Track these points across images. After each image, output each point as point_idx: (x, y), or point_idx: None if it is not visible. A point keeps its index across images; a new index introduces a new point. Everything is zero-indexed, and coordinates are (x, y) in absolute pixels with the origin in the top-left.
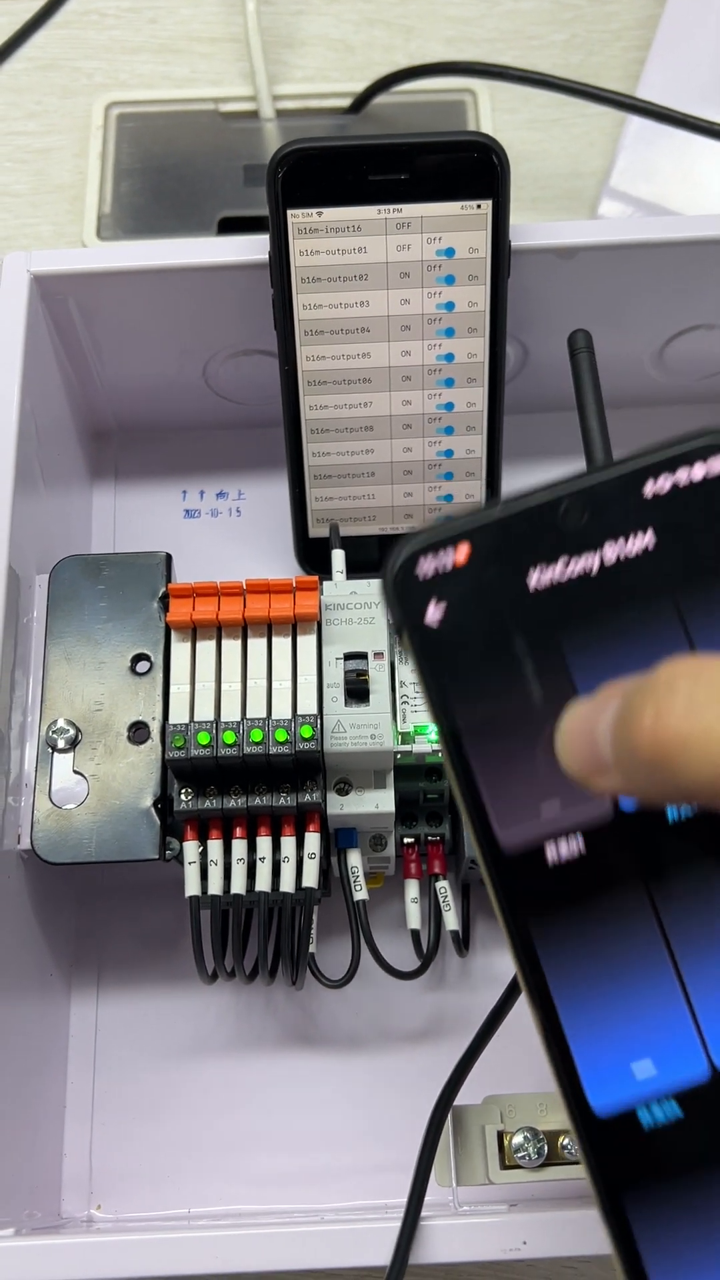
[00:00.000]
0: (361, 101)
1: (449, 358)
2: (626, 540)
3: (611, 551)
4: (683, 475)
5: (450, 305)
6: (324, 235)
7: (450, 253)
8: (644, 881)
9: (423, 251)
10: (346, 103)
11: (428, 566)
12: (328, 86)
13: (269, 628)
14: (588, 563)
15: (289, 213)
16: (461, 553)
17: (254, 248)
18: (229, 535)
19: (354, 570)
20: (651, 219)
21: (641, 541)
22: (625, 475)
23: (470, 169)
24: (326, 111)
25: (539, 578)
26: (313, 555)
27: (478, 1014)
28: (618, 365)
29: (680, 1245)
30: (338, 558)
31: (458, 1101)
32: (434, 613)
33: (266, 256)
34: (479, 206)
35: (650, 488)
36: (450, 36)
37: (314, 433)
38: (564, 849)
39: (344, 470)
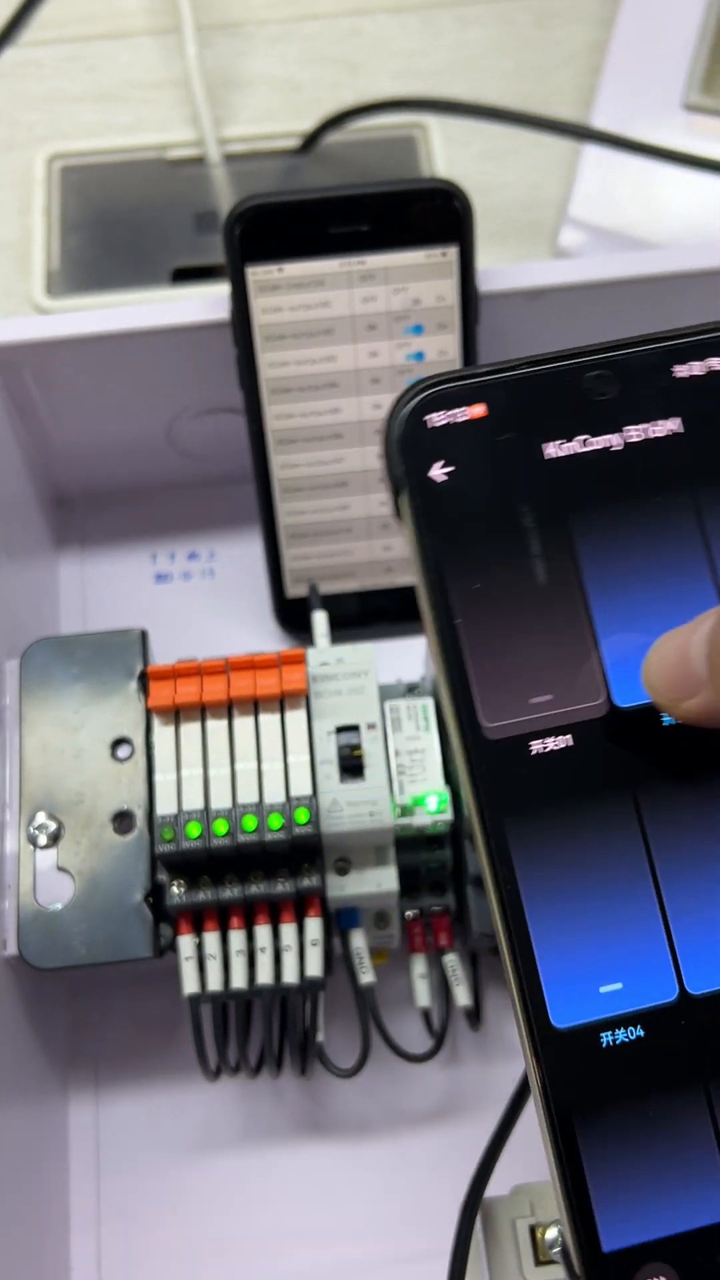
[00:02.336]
0: (311, 140)
1: None
2: (651, 422)
3: (634, 431)
4: (717, 362)
5: (420, 355)
6: (286, 291)
7: (417, 302)
8: (631, 789)
9: (389, 302)
10: (295, 142)
11: (439, 416)
12: (275, 127)
13: (256, 706)
14: (608, 439)
15: (248, 270)
16: (477, 407)
17: (214, 306)
18: (204, 598)
19: (336, 627)
20: (620, 255)
21: (666, 426)
22: (658, 351)
23: (433, 216)
24: (275, 153)
25: (555, 448)
26: (292, 615)
27: (495, 1089)
28: None
29: (626, 1169)
30: (320, 620)
31: (486, 1194)
32: (440, 468)
33: (227, 315)
34: (444, 254)
35: (682, 370)
36: (396, 70)
37: (286, 491)
38: (550, 743)
39: (319, 528)
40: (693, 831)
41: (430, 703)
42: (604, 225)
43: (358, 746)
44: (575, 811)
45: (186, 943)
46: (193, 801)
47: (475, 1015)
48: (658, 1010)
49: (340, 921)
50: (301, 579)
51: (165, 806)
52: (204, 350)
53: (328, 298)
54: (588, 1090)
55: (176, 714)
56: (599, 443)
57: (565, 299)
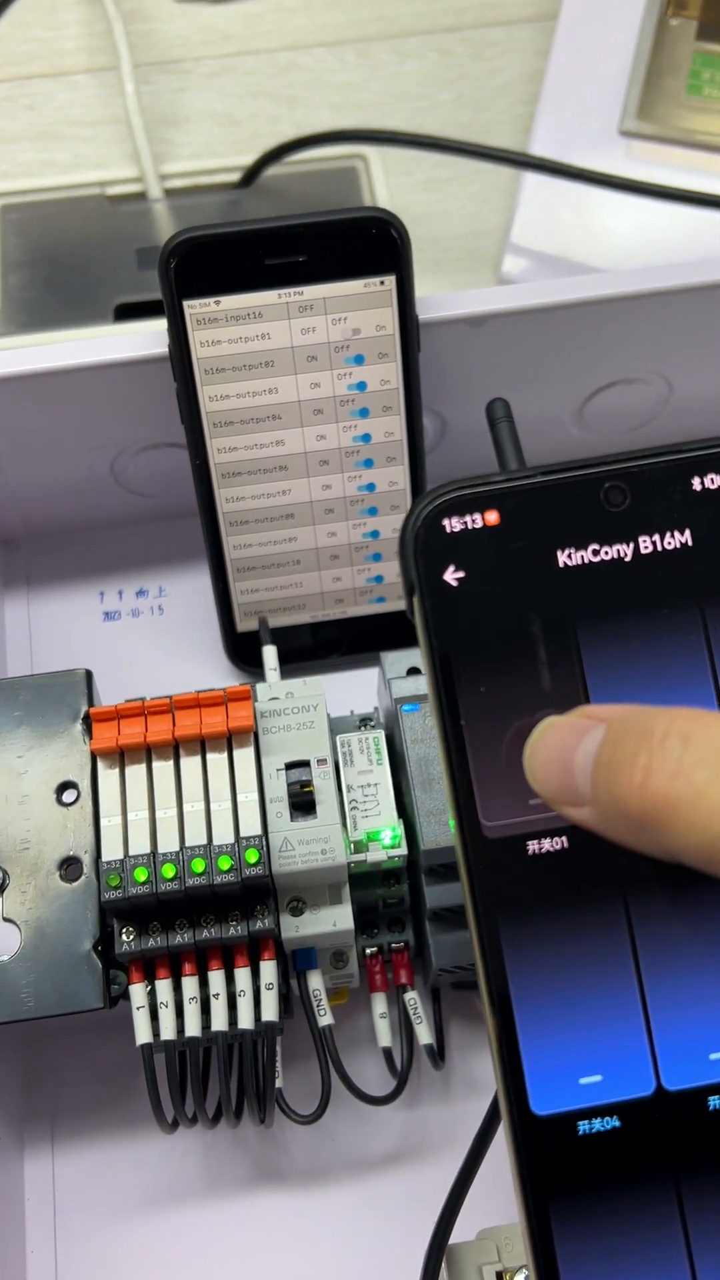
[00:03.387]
0: (251, 175)
1: (366, 438)
2: (664, 534)
3: (646, 542)
4: None
5: (362, 385)
6: (224, 324)
7: (357, 332)
8: (621, 891)
9: (328, 333)
10: (236, 177)
11: (455, 522)
12: (215, 162)
13: (202, 745)
14: (620, 549)
15: (185, 304)
16: (492, 514)
17: (152, 341)
18: (153, 636)
19: (288, 660)
20: (559, 280)
21: (679, 538)
22: (674, 464)
23: (369, 245)
24: (216, 188)
25: (567, 556)
26: (243, 650)
27: (459, 1129)
28: (539, 426)
29: (596, 1253)
30: (269, 655)
31: (452, 1239)
32: (453, 572)
33: (166, 350)
34: (382, 283)
35: (699, 482)
36: (336, 103)
37: (233, 525)
38: (546, 844)
39: (268, 560)
40: (679, 935)
41: (382, 735)
42: (546, 251)
43: (308, 783)
44: (566, 910)
45: (138, 991)
46: (139, 845)
47: (438, 1053)
48: (634, 1103)
49: (297, 963)
50: (251, 613)
51: (111, 852)
52: (145, 385)
53: (267, 329)
54: (564, 1175)
55: (121, 756)
56: (610, 552)
57: (506, 325)
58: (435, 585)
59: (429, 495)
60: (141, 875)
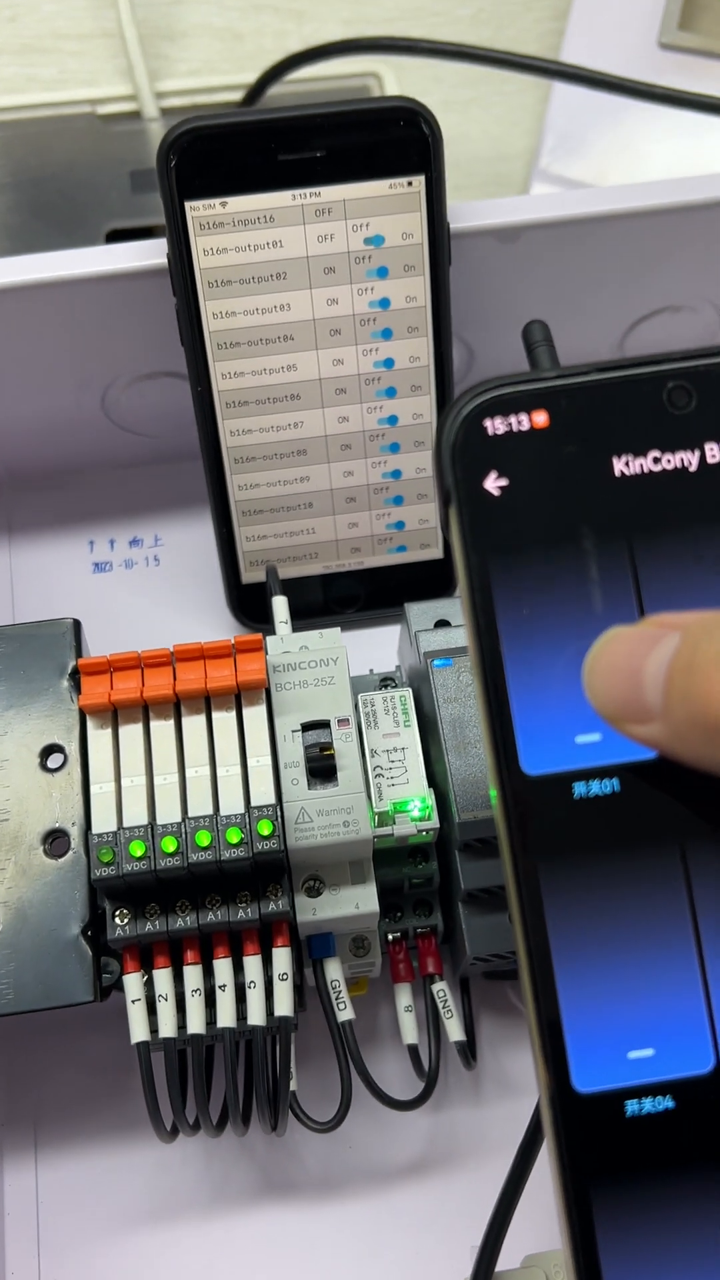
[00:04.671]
0: (255, 93)
1: (388, 363)
2: None
3: (714, 450)
4: None
5: (385, 302)
6: (230, 230)
7: (380, 240)
8: (679, 841)
9: (348, 241)
10: (238, 95)
11: (498, 423)
12: (216, 79)
13: (207, 702)
14: (684, 458)
15: (187, 206)
16: (540, 414)
17: (150, 251)
18: (148, 589)
19: (297, 617)
20: (603, 189)
21: None
22: None
23: (396, 141)
24: (216, 106)
25: (624, 464)
26: (249, 604)
27: (493, 1133)
28: (576, 359)
29: (642, 1246)
30: (279, 606)
31: (497, 1267)
32: (495, 480)
33: (164, 260)
34: (410, 184)
35: None
36: (346, 18)
37: (238, 462)
38: (595, 786)
39: (277, 503)
40: None
41: (409, 694)
42: (576, 177)
43: (328, 746)
44: (616, 861)
45: (133, 982)
46: (135, 816)
47: (469, 1051)
48: (690, 1082)
49: (312, 950)
50: (258, 562)
51: (103, 823)
52: (140, 303)
53: (279, 236)
54: (608, 1160)
55: (114, 714)
56: (673, 460)
57: (543, 240)
58: (474, 494)
59: (470, 392)
60: (138, 850)
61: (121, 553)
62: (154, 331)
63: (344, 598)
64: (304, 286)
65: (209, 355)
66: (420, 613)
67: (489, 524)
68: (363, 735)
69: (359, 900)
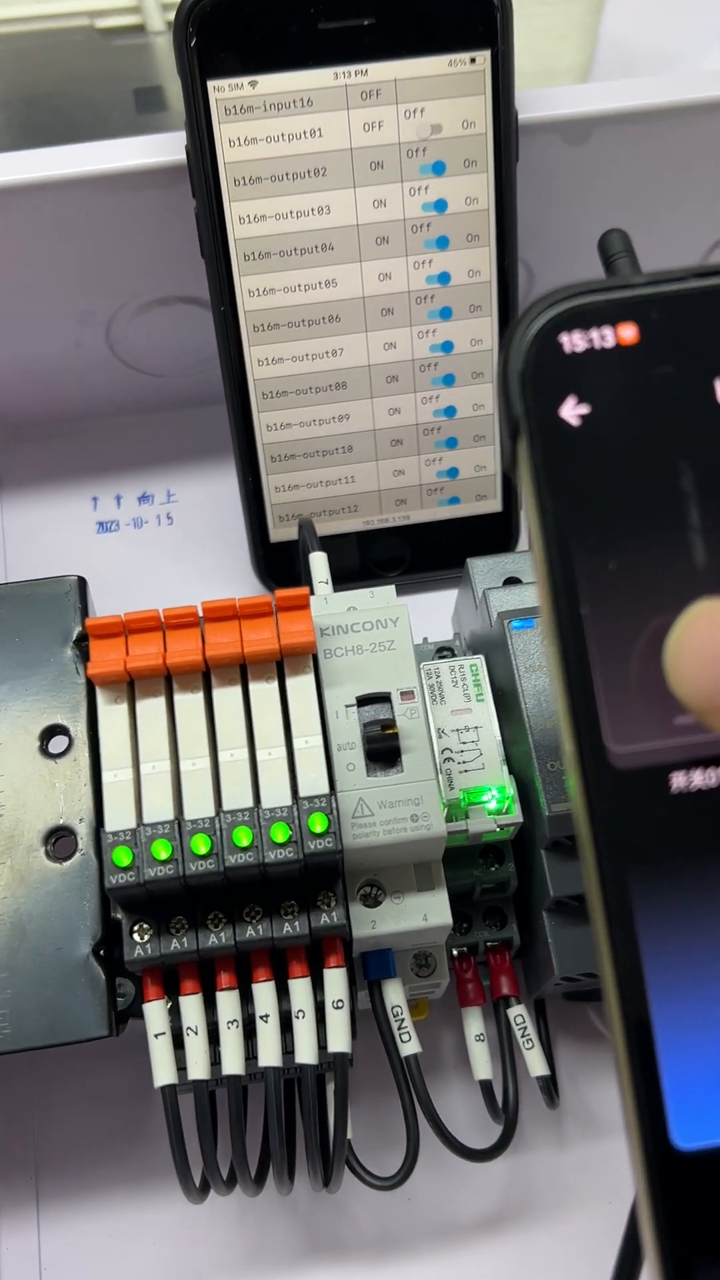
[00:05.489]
0: None
1: (444, 279)
2: None
3: None
4: None
5: (442, 205)
6: (261, 115)
7: (437, 130)
8: None
9: (400, 130)
10: None
11: (577, 339)
12: None
13: (243, 671)
14: None
15: (210, 85)
16: (629, 328)
17: (164, 146)
18: (160, 550)
19: (332, 583)
20: (697, 74)
21: None
22: None
23: (458, 8)
24: None
25: None
26: (277, 567)
27: (578, 1182)
28: None
29: None
30: (318, 563)
31: None
32: (574, 407)
33: (182, 155)
34: (473, 60)
35: None
36: None
37: (267, 397)
38: (697, 777)
39: (311, 447)
40: None
41: (481, 662)
42: None
43: (391, 723)
44: None
45: (156, 1012)
46: (158, 810)
47: (552, 1087)
48: None
49: (368, 970)
50: (289, 516)
51: (118, 819)
52: (153, 209)
53: (318, 123)
54: (713, 1235)
55: (131, 686)
56: None
57: (619, 137)
58: (549, 425)
59: (543, 301)
60: (161, 851)
61: (129, 510)
62: (169, 245)
63: (386, 559)
64: (346, 185)
65: (234, 268)
66: (486, 569)
67: (566, 460)
68: (428, 712)
69: (428, 910)
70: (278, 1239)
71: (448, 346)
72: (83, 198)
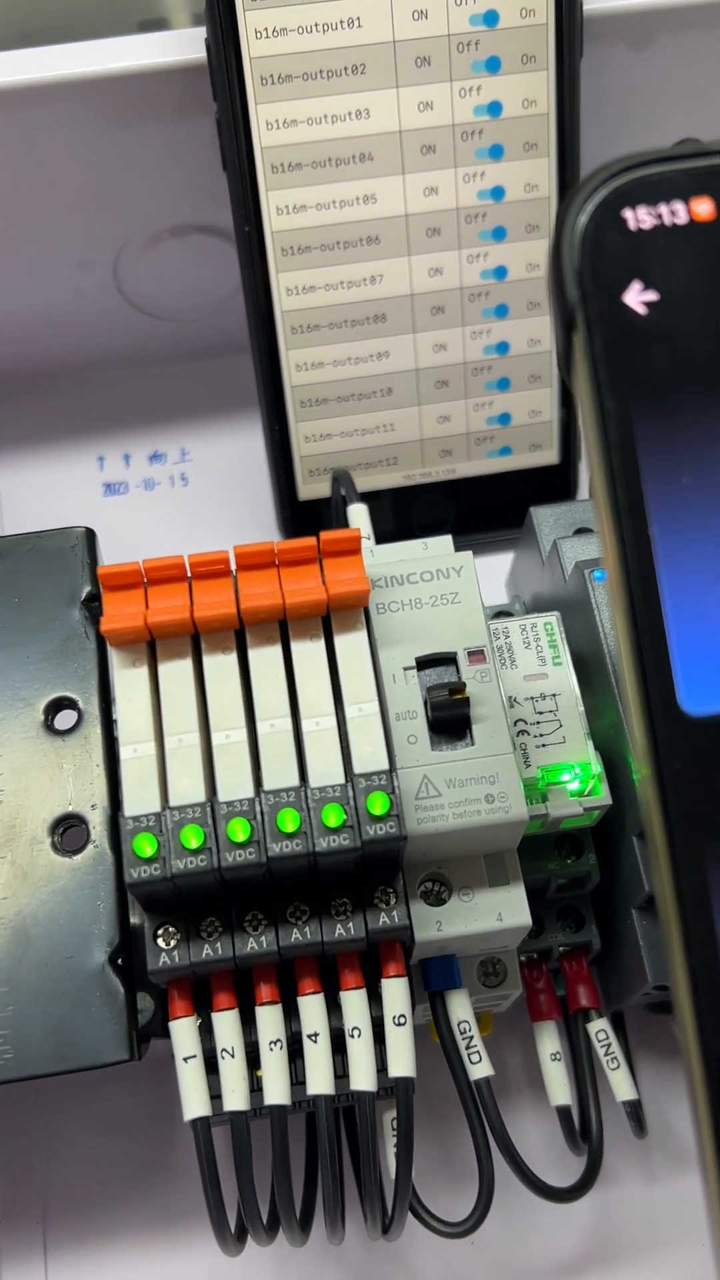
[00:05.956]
0: None
1: (497, 194)
2: None
3: None
4: None
5: (496, 108)
6: (292, 1)
7: (493, 19)
8: None
9: (449, 20)
10: None
11: (644, 215)
12: None
13: (283, 627)
14: None
15: None
16: (703, 202)
17: (180, 43)
18: (174, 514)
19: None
20: None
21: None
22: None
23: None
24: None
25: None
26: (307, 527)
27: (667, 1219)
28: None
29: None
30: (359, 515)
31: None
32: (640, 294)
33: (204, 52)
34: None
35: None
36: None
37: (296, 332)
38: None
39: (346, 389)
40: None
41: (557, 621)
42: None
43: (459, 688)
44: None
45: (185, 1031)
46: (187, 791)
47: (639, 1114)
48: None
49: (430, 979)
50: (320, 470)
51: (139, 802)
52: (165, 119)
53: (356, 10)
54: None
55: (151, 646)
56: None
57: (688, 42)
58: (611, 313)
59: (603, 170)
60: (193, 838)
61: (139, 470)
62: (184, 164)
63: (430, 519)
64: (389, 85)
65: (260, 181)
66: (553, 518)
67: (632, 354)
68: (497, 677)
69: (502, 908)
70: None
71: (501, 272)
72: (85, 104)
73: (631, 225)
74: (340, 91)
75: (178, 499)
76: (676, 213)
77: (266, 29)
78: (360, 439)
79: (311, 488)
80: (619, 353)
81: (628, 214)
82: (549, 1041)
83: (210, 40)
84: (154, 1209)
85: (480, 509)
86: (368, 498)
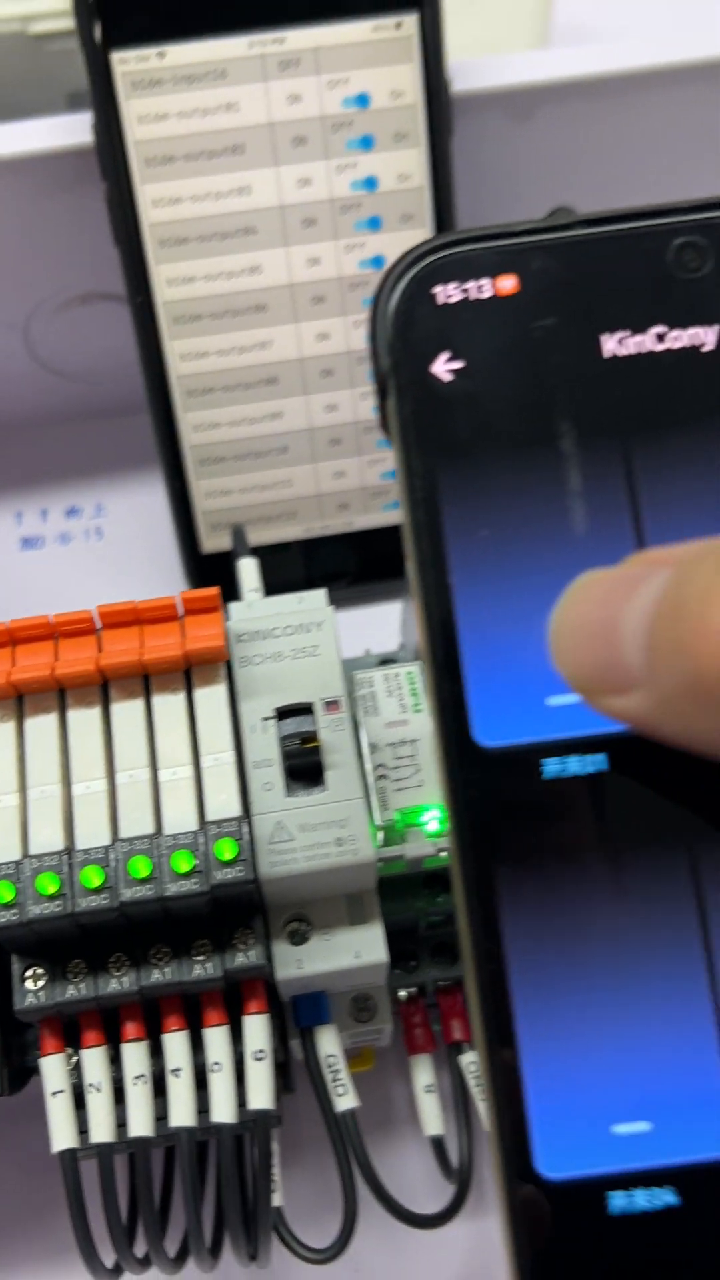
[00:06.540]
0: None
1: (378, 262)
2: None
3: None
4: None
5: (372, 183)
6: (171, 88)
7: (364, 101)
8: (689, 843)
9: (323, 103)
10: None
11: (451, 290)
12: None
13: (145, 682)
14: (696, 334)
15: (114, 58)
16: (507, 279)
17: (73, 128)
18: (88, 567)
19: (274, 594)
20: (649, 43)
21: None
22: None
23: None
24: None
25: (617, 343)
26: (212, 579)
27: None
28: None
29: None
30: (248, 569)
31: None
32: (447, 362)
33: (91, 134)
34: (398, 25)
35: None
36: None
37: (191, 395)
38: (573, 763)
39: (241, 448)
40: None
41: (419, 669)
42: None
43: (312, 736)
44: (601, 867)
45: (54, 1067)
46: (45, 839)
47: None
48: (702, 1169)
49: (300, 1016)
50: (221, 525)
51: (1, 851)
52: (64, 196)
53: (234, 96)
54: (582, 1271)
55: (19, 702)
56: (681, 339)
57: (567, 114)
58: (419, 382)
59: (415, 250)
60: (47, 886)
61: (56, 525)
62: (84, 237)
63: (330, 569)
64: (268, 163)
65: (148, 256)
66: None
67: (438, 419)
68: (359, 725)
69: (360, 947)
70: None
71: None
72: None
73: (440, 300)
74: (221, 171)
75: (93, 552)
76: (482, 288)
77: (149, 114)
78: (259, 495)
79: (214, 541)
80: (426, 417)
81: (438, 290)
82: (423, 1074)
83: (96, 124)
84: (50, 1243)
85: (379, 559)
86: (272, 550)
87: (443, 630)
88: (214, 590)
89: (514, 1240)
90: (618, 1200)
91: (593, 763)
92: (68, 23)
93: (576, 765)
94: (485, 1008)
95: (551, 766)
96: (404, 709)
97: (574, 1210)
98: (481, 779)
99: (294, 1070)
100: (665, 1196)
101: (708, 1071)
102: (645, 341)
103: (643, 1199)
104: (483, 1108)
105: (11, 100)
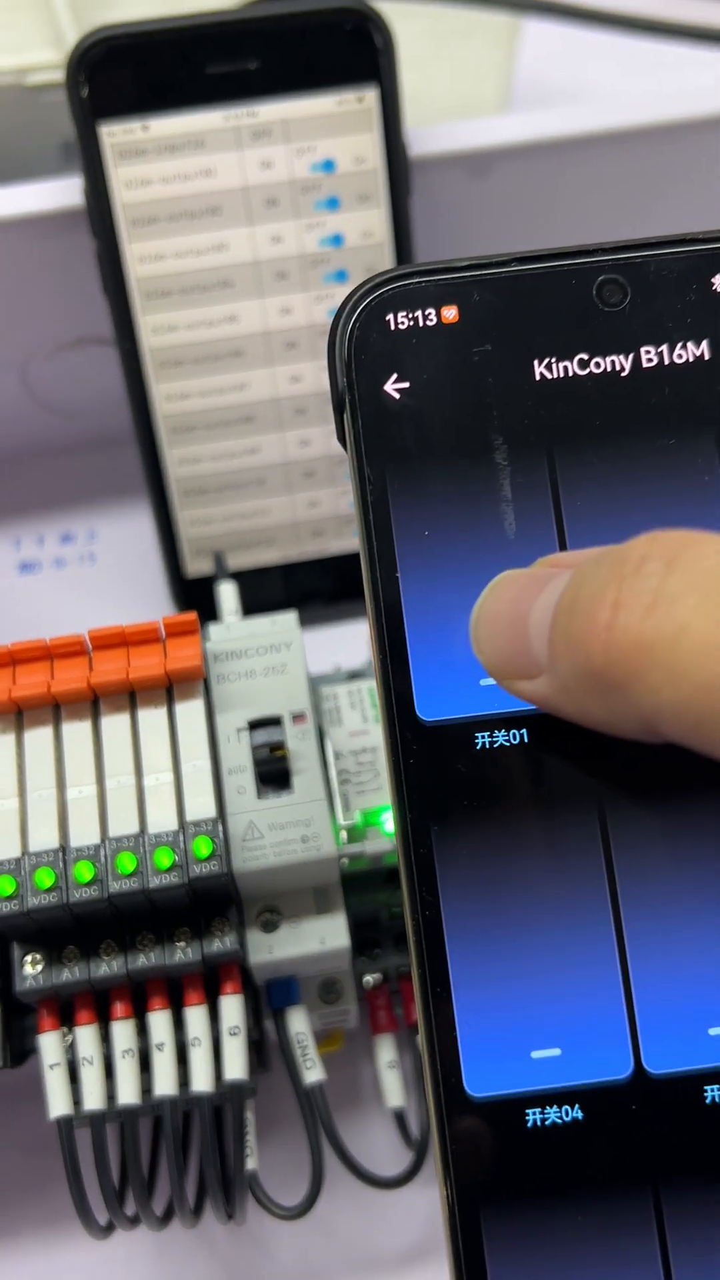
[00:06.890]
0: None
1: None
2: (673, 344)
3: (650, 354)
4: None
5: (338, 239)
6: (154, 157)
7: (330, 166)
8: (598, 803)
9: (292, 168)
10: None
11: (401, 318)
12: None
13: (131, 697)
14: (616, 361)
15: (102, 130)
16: (450, 309)
17: (65, 191)
18: (83, 590)
19: (253, 615)
20: (596, 108)
21: (691, 350)
22: (692, 256)
23: (342, 48)
24: None
25: (546, 368)
26: (196, 601)
27: None
28: None
29: (536, 1271)
30: (227, 593)
31: None
32: (395, 383)
33: (81, 197)
34: (360, 99)
35: None
36: None
37: (175, 432)
38: (500, 736)
39: (222, 480)
40: (673, 865)
41: None
42: None
43: (280, 746)
44: (523, 825)
45: (51, 1043)
46: (42, 838)
47: None
48: (604, 1089)
49: (272, 998)
50: (204, 551)
51: (3, 849)
52: (57, 252)
53: (211, 163)
54: (502, 1178)
55: (19, 716)
56: (603, 364)
57: (521, 171)
58: (372, 399)
59: (369, 281)
60: (44, 880)
61: (52, 550)
62: (76, 287)
63: (306, 592)
64: (243, 223)
65: (134, 307)
66: None
67: (387, 432)
68: (324, 735)
69: (325, 934)
70: (195, 1277)
71: None
72: None
73: (392, 326)
74: (201, 230)
75: (86, 576)
76: (428, 316)
77: (134, 179)
78: (239, 523)
79: (198, 565)
80: (377, 430)
81: (389, 317)
82: (386, 1051)
83: (86, 188)
84: (50, 1208)
85: (351, 581)
86: (251, 575)
87: (389, 618)
88: (192, 615)
89: (445, 1151)
90: (533, 1116)
91: (516, 735)
92: (62, 75)
93: (503, 738)
94: (421, 949)
95: (481, 738)
96: (365, 720)
97: (496, 1125)
98: (421, 749)
99: (269, 1051)
100: (572, 1112)
101: (609, 1004)
102: (570, 366)
103: (554, 1114)
104: (420, 1038)
105: (8, 148)
